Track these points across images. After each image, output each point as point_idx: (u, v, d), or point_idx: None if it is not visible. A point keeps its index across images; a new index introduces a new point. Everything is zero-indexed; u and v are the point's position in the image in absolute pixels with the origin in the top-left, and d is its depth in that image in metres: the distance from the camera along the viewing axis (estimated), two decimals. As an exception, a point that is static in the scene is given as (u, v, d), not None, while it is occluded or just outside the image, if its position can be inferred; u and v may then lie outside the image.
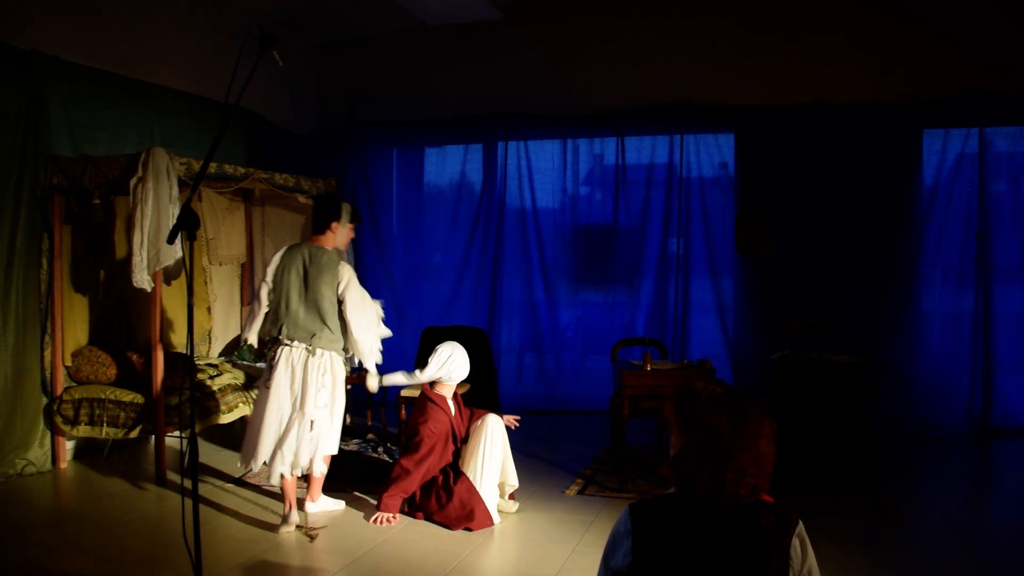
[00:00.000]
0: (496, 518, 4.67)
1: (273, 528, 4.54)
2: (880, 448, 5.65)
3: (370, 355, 4.67)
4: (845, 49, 7.13)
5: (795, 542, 1.96)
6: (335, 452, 4.72)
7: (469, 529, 4.53)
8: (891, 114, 6.99)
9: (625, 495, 5.16)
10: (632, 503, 2.08)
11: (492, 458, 4.70)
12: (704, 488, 1.97)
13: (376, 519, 4.65)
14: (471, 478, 4.65)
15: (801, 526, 2.00)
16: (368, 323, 4.65)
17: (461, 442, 4.89)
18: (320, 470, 4.70)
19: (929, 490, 5.48)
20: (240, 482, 5.42)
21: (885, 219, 7.03)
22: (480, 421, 4.82)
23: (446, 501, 4.60)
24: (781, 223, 7.15)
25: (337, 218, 4.73)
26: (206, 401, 5.79)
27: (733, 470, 1.95)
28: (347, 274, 4.60)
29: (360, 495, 5.15)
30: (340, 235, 4.79)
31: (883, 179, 7.03)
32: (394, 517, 4.68)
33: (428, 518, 4.69)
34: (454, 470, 4.74)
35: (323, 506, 4.84)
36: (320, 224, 4.73)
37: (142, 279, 5.18)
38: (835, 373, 5.32)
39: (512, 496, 4.96)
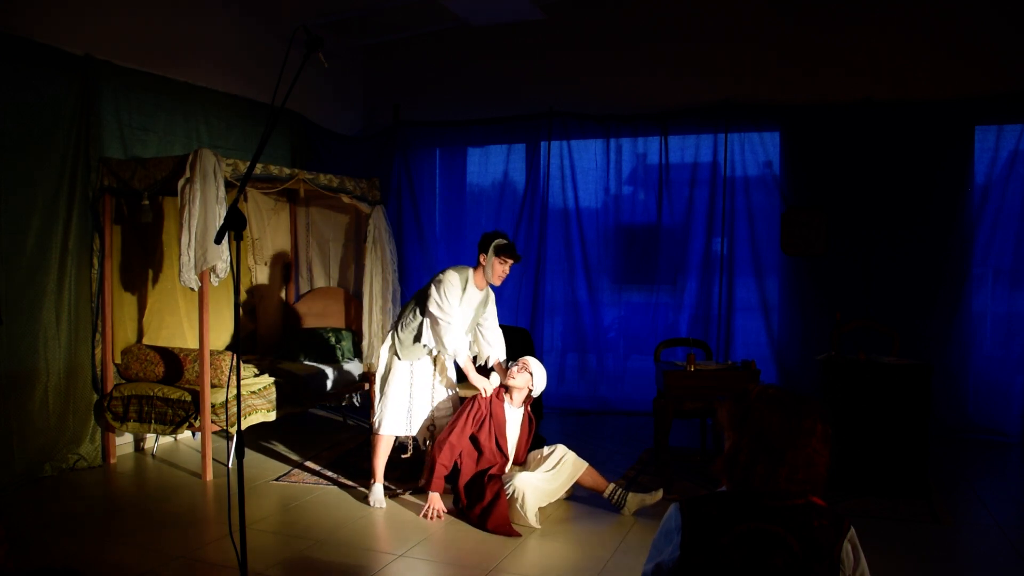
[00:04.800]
0: (534, 522, 4.60)
1: (318, 524, 4.59)
2: (933, 452, 5.53)
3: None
4: (893, 45, 7.00)
5: (847, 547, 1.94)
6: (377, 430, 5.09)
7: (490, 530, 4.49)
8: (941, 110, 6.84)
9: (668, 496, 5.12)
10: (682, 499, 2.07)
11: (549, 479, 4.77)
12: (759, 480, 1.96)
13: (426, 512, 4.73)
14: (521, 477, 4.64)
15: (853, 531, 1.98)
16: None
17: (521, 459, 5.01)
18: None
19: (983, 495, 5.35)
20: (285, 479, 5.49)
21: (935, 218, 6.88)
22: (562, 454, 4.93)
23: (475, 502, 4.64)
24: (828, 222, 7.06)
25: (484, 250, 5.08)
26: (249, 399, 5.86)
27: (785, 466, 1.95)
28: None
29: (393, 488, 5.20)
30: (487, 268, 5.09)
31: (933, 177, 6.88)
32: (443, 511, 4.75)
33: (468, 520, 4.70)
34: (493, 476, 4.78)
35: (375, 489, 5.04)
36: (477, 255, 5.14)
37: (189, 278, 5.27)
38: (885, 375, 5.21)
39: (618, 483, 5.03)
